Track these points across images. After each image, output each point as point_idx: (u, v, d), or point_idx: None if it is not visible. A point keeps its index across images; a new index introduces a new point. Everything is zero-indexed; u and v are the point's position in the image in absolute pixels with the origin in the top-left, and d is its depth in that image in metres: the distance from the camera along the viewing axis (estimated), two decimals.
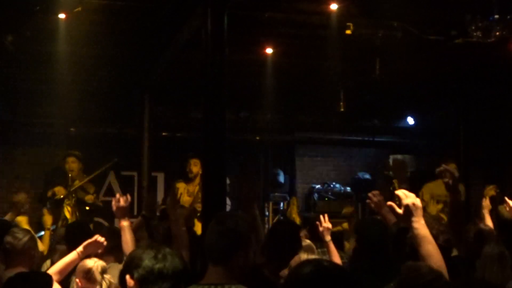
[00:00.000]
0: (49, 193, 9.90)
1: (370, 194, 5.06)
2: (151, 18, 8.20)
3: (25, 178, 12.17)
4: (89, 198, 9.94)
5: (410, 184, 9.72)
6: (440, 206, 9.27)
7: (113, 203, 4.45)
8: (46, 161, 11.91)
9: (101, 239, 4.44)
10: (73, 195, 9.75)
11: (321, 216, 5.62)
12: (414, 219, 3.21)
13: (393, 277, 3.24)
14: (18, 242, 4.67)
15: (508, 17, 7.78)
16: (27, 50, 9.03)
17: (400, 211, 3.26)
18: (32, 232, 5.21)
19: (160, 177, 12.66)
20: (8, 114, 11.88)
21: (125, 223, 4.36)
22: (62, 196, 9.72)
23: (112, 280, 4.41)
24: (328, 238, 5.46)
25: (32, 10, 7.57)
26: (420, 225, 3.20)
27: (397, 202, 3.32)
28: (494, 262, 4.95)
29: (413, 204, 3.23)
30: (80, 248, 4.38)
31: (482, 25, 7.68)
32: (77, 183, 9.85)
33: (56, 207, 9.69)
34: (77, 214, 9.60)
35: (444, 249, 3.42)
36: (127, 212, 4.43)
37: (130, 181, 12.06)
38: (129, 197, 4.50)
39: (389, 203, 3.38)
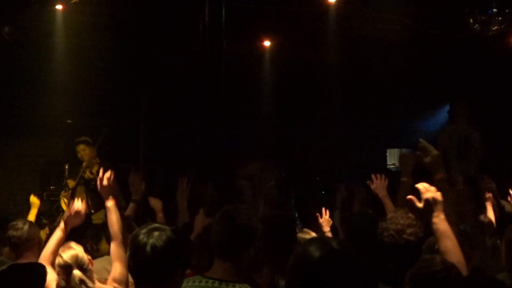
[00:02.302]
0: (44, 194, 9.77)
1: (373, 176, 5.09)
2: (148, 10, 8.17)
3: (21, 170, 12.13)
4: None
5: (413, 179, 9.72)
6: (455, 147, 9.34)
7: (97, 182, 4.33)
8: (42, 153, 11.87)
9: (78, 207, 4.32)
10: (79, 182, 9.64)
11: (323, 209, 5.68)
12: (434, 214, 3.17)
13: (378, 271, 3.23)
14: (22, 232, 4.69)
15: (507, 10, 7.76)
16: (24, 41, 9.00)
17: (420, 205, 3.21)
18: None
19: (158, 170, 12.61)
20: (3, 105, 11.83)
21: (109, 203, 4.20)
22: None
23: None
24: (327, 229, 5.53)
25: (29, 1, 7.54)
26: (439, 220, 3.16)
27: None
28: (488, 253, 4.95)
29: (433, 198, 3.18)
30: (61, 225, 4.32)
31: (481, 18, 7.66)
32: (85, 165, 9.74)
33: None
34: (89, 201, 9.39)
35: (409, 242, 3.38)
36: (111, 191, 4.29)
37: (127, 174, 12.01)
38: (111, 175, 4.33)
39: (409, 196, 3.33)
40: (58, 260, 4.06)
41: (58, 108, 11.68)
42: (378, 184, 5.09)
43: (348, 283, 2.02)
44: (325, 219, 5.62)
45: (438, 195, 3.19)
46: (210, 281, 3.18)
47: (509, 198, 6.60)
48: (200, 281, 3.19)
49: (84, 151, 9.80)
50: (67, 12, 7.89)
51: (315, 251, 2.07)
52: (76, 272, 3.94)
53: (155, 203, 5.80)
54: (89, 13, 8.15)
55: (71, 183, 9.81)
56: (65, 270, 3.99)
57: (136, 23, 8.66)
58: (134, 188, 5.85)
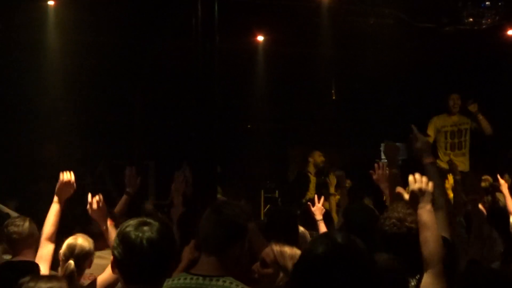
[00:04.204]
0: None
1: (376, 165, 5.03)
2: (141, 5, 8.15)
3: (13, 167, 12.08)
4: None
5: (401, 171, 9.72)
6: (448, 139, 9.33)
7: (88, 207, 4.29)
8: (35, 150, 11.83)
9: (66, 177, 4.34)
10: None
11: (316, 196, 5.66)
12: (420, 204, 3.18)
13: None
14: (22, 228, 4.67)
15: (500, 3, 7.77)
16: (16, 37, 8.96)
17: (407, 196, 3.22)
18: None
19: (152, 166, 12.60)
20: None
21: (108, 224, 4.20)
22: None
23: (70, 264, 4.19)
24: (319, 217, 5.51)
25: None
26: (423, 211, 3.17)
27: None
28: (483, 243, 4.97)
29: (420, 189, 3.19)
30: (55, 198, 4.35)
31: (474, 12, 7.67)
32: None
33: None
34: None
35: (411, 230, 3.38)
36: (104, 214, 4.26)
37: (121, 170, 11.98)
38: (101, 197, 4.30)
39: (398, 189, 3.34)
40: (62, 248, 4.19)
41: (51, 105, 11.64)
42: (380, 175, 4.99)
43: (353, 277, 2.03)
44: (317, 207, 5.59)
45: (427, 187, 3.19)
46: (195, 277, 3.16)
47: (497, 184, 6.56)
48: (185, 278, 3.17)
49: None
50: (59, 7, 7.86)
51: (319, 246, 2.09)
52: (71, 263, 3.99)
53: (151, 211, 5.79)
54: (82, 9, 8.12)
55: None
56: (63, 257, 4.12)
57: (129, 19, 8.63)
58: (129, 181, 5.83)
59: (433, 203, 3.28)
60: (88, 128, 11.76)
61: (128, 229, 2.60)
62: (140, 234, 2.56)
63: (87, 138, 11.28)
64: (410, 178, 3.25)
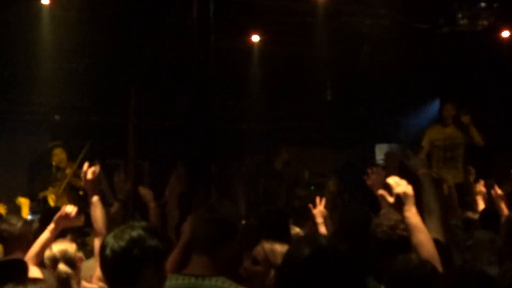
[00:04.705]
0: (41, 196, 9.70)
1: (369, 170, 4.97)
2: (137, 5, 8.12)
3: (8, 166, 12.04)
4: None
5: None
6: (441, 153, 9.36)
7: (82, 175, 4.26)
8: (29, 150, 11.79)
9: (69, 210, 4.29)
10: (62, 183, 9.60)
11: (317, 199, 5.62)
12: (405, 207, 3.16)
13: (369, 266, 3.23)
14: (14, 228, 4.64)
15: (495, 5, 7.77)
16: (10, 36, 8.91)
17: (391, 199, 3.22)
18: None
19: (145, 166, 12.58)
20: None
21: (94, 198, 4.14)
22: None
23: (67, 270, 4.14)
24: (320, 220, 5.47)
25: None
26: (411, 214, 3.14)
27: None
28: (485, 247, 4.93)
29: (404, 192, 3.17)
30: (51, 225, 4.26)
31: (470, 13, 7.68)
32: (69, 171, 9.70)
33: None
34: (71, 201, 9.38)
35: (403, 238, 3.38)
36: (97, 185, 4.23)
37: (115, 170, 11.95)
38: (97, 168, 4.27)
39: (380, 191, 3.34)
40: (47, 253, 4.09)
41: (45, 104, 11.60)
42: (375, 180, 4.90)
43: (336, 278, 2.06)
44: (318, 210, 5.54)
45: (408, 189, 3.18)
46: (187, 277, 3.15)
47: (492, 192, 6.58)
48: (177, 279, 3.17)
49: (62, 154, 9.73)
50: (54, 6, 7.82)
51: (304, 248, 2.12)
52: (62, 266, 3.93)
53: (146, 193, 5.74)
54: (76, 8, 8.08)
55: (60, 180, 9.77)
56: (52, 262, 4.02)
57: (124, 18, 8.60)
58: (118, 187, 5.79)
59: (426, 208, 3.30)
60: (81, 128, 11.73)
61: (109, 233, 2.73)
62: (107, 241, 2.68)
63: (80, 138, 11.23)
64: (391, 181, 3.23)
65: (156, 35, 8.76)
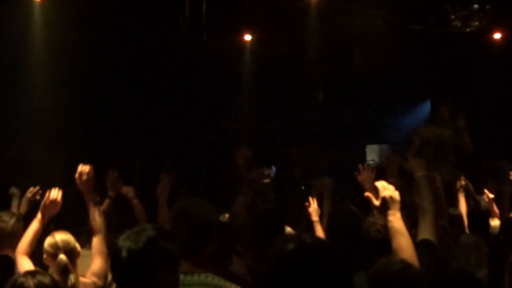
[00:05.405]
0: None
1: (360, 166, 5.01)
2: (128, 3, 8.09)
3: None
4: None
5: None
6: (431, 151, 9.39)
7: (76, 176, 4.22)
8: (21, 149, 11.72)
9: (54, 196, 4.16)
10: None
11: (310, 198, 5.65)
12: (389, 212, 3.20)
13: (360, 268, 3.23)
14: (7, 224, 4.56)
15: (487, 7, 7.79)
16: (1, 33, 8.87)
17: (377, 202, 3.25)
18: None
19: (137, 166, 12.53)
20: None
21: (89, 200, 4.13)
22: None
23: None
24: (316, 218, 5.49)
25: None
26: (395, 218, 3.18)
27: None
28: (470, 251, 4.95)
29: (390, 197, 3.20)
30: (38, 215, 4.22)
31: (462, 14, 7.69)
32: None
33: None
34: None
35: (376, 241, 3.40)
36: (92, 185, 4.20)
37: (106, 168, 11.90)
38: (90, 168, 4.23)
39: (367, 194, 3.36)
40: (49, 240, 4.04)
41: (36, 104, 11.54)
42: (365, 176, 4.96)
43: (321, 274, 2.07)
44: (314, 208, 5.55)
45: (395, 194, 3.21)
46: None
47: (484, 197, 6.62)
48: None
49: None
50: (45, 4, 7.79)
51: (288, 246, 2.13)
52: (62, 257, 3.91)
53: (128, 191, 5.74)
54: (68, 6, 8.04)
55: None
56: (54, 250, 3.98)
57: (116, 16, 8.58)
58: (111, 184, 5.77)
59: (421, 209, 3.31)
60: (73, 127, 11.68)
61: (119, 236, 2.62)
62: (122, 243, 2.58)
63: (73, 137, 11.19)
64: (379, 185, 3.27)
65: (148, 33, 8.73)
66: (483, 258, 4.86)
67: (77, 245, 4.14)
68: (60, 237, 4.06)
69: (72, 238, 4.14)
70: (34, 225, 4.15)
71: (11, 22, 8.37)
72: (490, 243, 4.83)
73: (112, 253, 2.63)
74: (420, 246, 3.38)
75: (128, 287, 2.61)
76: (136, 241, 2.58)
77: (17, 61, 10.14)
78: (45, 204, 4.18)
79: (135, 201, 5.62)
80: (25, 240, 4.12)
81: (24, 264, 3.92)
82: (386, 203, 3.20)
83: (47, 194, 4.23)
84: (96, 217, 4.09)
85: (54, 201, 4.18)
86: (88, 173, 4.13)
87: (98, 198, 4.19)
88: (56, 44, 9.32)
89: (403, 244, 3.14)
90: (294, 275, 2.07)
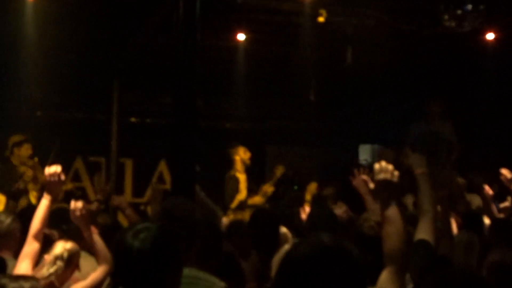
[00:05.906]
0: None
1: (356, 170, 5.00)
2: (121, 1, 8.06)
3: None
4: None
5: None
6: (424, 149, 9.39)
7: (70, 213, 4.15)
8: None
9: (53, 170, 3.99)
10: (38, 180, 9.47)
11: (305, 205, 5.69)
12: (384, 199, 3.02)
13: None
14: (2, 224, 4.52)
15: (481, 7, 7.79)
16: None
17: (372, 185, 3.15)
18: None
19: (128, 163, 12.50)
20: None
21: (86, 234, 4.11)
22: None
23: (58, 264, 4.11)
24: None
25: None
26: (387, 206, 2.99)
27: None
28: (461, 248, 4.94)
29: (385, 179, 3.05)
30: (45, 194, 4.03)
31: (456, 15, 7.69)
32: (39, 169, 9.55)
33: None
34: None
35: (369, 237, 3.36)
36: (86, 220, 4.13)
37: (98, 167, 11.88)
38: (84, 204, 4.16)
39: (363, 176, 3.31)
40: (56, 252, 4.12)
41: (28, 101, 11.49)
42: (360, 180, 4.91)
43: (339, 277, 1.99)
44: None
45: (393, 177, 3.05)
46: None
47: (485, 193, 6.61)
48: None
49: (30, 150, 9.54)
50: (38, 2, 7.74)
51: (305, 247, 2.04)
52: (60, 263, 3.94)
53: (120, 201, 5.70)
54: (60, 3, 8.00)
55: (42, 177, 9.62)
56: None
57: (109, 14, 8.54)
58: (98, 188, 5.76)
59: (420, 208, 3.26)
60: (64, 123, 11.63)
61: (125, 234, 2.56)
62: (131, 242, 2.51)
63: (64, 134, 11.14)
64: (376, 166, 3.11)
65: (141, 31, 8.69)
66: (472, 256, 4.88)
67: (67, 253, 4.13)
68: (64, 246, 4.09)
69: (67, 246, 4.13)
70: (43, 203, 4.01)
71: (2, 19, 8.32)
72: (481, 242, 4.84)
73: (120, 253, 2.55)
74: (416, 245, 3.36)
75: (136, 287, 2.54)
76: (146, 242, 2.51)
77: (8, 58, 10.10)
78: (47, 180, 4.03)
79: (128, 211, 5.57)
80: (36, 219, 3.99)
81: (21, 267, 3.88)
82: (381, 186, 3.05)
83: (46, 170, 4.08)
84: (100, 249, 4.09)
85: (54, 175, 4.02)
86: (81, 209, 4.07)
87: (96, 231, 4.15)
88: (47, 42, 9.28)
89: (390, 232, 2.97)
90: (311, 276, 1.98)
